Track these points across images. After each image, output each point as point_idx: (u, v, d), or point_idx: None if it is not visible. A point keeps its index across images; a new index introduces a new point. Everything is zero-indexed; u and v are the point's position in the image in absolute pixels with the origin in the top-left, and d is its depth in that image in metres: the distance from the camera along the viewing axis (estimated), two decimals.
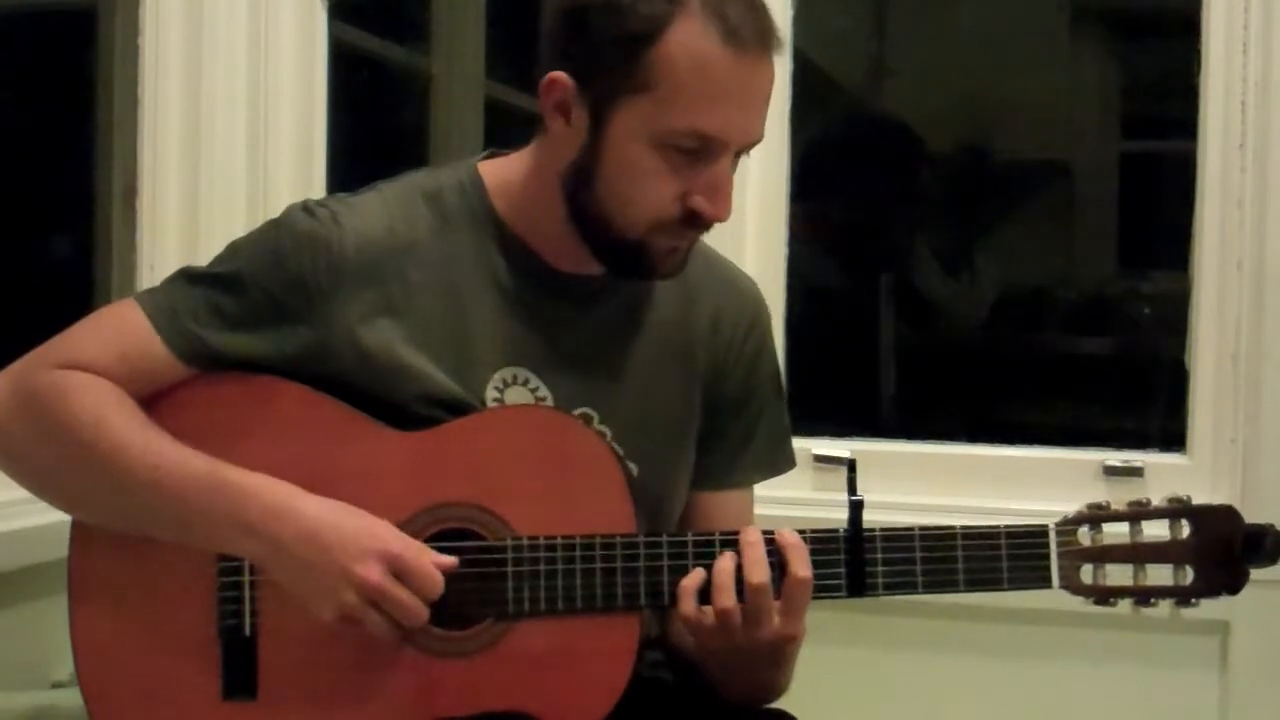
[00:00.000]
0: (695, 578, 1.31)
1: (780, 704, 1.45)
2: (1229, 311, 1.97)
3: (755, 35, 1.28)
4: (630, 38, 1.27)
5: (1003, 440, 2.14)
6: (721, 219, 1.32)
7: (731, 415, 1.50)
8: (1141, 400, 2.24)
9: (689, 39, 1.26)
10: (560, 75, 1.31)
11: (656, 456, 1.43)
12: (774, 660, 1.36)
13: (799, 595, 1.30)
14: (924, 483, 2.07)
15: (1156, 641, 1.94)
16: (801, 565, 1.30)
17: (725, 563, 1.31)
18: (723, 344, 1.49)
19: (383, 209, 1.39)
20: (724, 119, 1.28)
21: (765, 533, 1.33)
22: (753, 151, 1.36)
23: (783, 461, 1.55)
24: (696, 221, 1.32)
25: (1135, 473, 2.02)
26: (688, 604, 1.31)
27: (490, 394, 1.38)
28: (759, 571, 1.29)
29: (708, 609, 1.31)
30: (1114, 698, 1.99)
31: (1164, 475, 1.98)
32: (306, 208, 1.39)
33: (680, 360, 1.46)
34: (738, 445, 1.50)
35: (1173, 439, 2.04)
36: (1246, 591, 1.35)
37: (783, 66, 2.10)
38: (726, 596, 1.29)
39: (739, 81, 1.28)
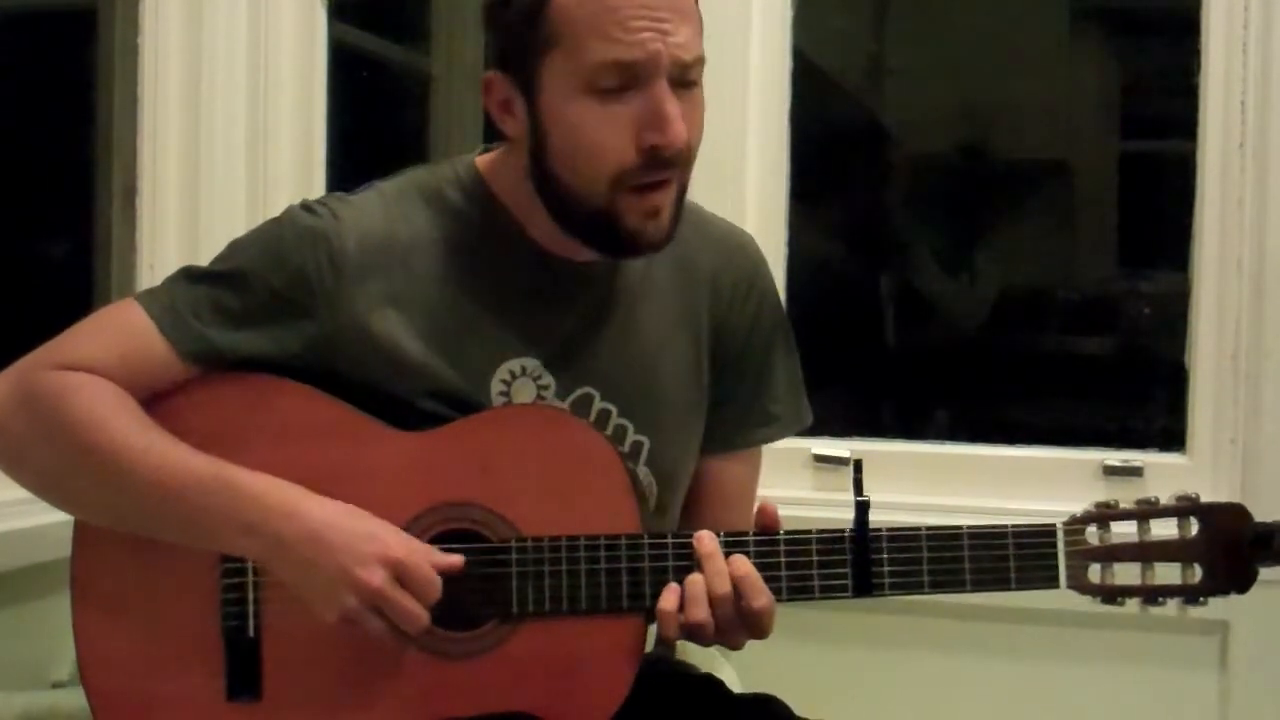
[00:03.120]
0: (673, 597, 1.30)
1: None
2: (1229, 311, 1.97)
3: None
4: (525, 10, 1.29)
5: (1003, 440, 2.14)
6: (677, 144, 1.29)
7: (738, 373, 1.49)
8: (1141, 400, 2.24)
9: None
10: (490, 74, 1.35)
11: (667, 427, 1.43)
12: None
13: (764, 621, 1.30)
14: (924, 483, 2.07)
15: (1156, 641, 1.94)
16: (757, 596, 1.29)
17: (698, 575, 1.30)
18: (724, 303, 1.48)
19: (382, 206, 1.40)
20: (633, 41, 1.26)
21: (760, 537, 1.33)
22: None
23: (799, 414, 1.54)
24: (657, 158, 1.29)
25: (1135, 473, 2.02)
26: (670, 628, 1.30)
27: (496, 386, 1.38)
28: (720, 583, 1.29)
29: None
30: (1114, 697, 1.99)
31: (1164, 475, 1.98)
32: (306, 206, 1.40)
33: (683, 327, 1.46)
34: (746, 405, 1.50)
35: (1172, 439, 2.04)
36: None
37: (782, 66, 2.11)
38: (699, 609, 1.29)
39: (635, 2, 1.26)
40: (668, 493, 1.43)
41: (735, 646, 1.32)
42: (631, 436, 1.42)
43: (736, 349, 1.49)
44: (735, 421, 1.50)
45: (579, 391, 1.40)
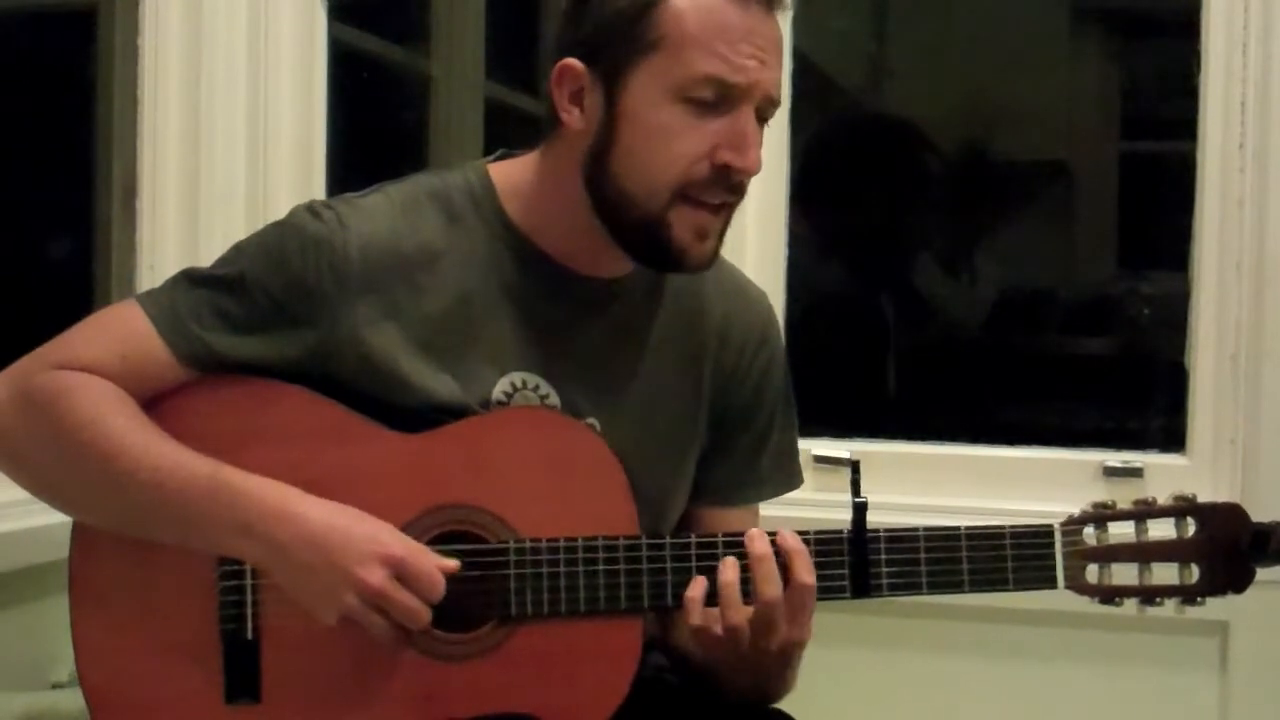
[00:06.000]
0: (699, 587, 1.31)
1: (781, 704, 1.45)
2: (1229, 311, 1.97)
3: None
4: (632, 5, 1.29)
5: (1003, 440, 2.14)
6: (750, 170, 1.31)
7: (739, 430, 1.49)
8: (1141, 400, 2.24)
9: None
10: (569, 61, 1.32)
11: (656, 467, 1.43)
12: (782, 664, 1.36)
13: (804, 601, 1.30)
14: (924, 483, 2.07)
15: (1156, 642, 1.94)
16: (805, 571, 1.30)
17: (730, 574, 1.30)
18: (732, 355, 1.48)
19: (388, 211, 1.39)
20: (738, 64, 1.28)
21: (766, 534, 1.33)
22: None
23: (792, 478, 1.55)
24: (726, 178, 1.31)
25: (1135, 473, 2.02)
26: (696, 615, 1.30)
27: (497, 399, 1.38)
28: (771, 588, 1.29)
29: (714, 611, 1.30)
30: (1114, 698, 1.99)
31: (1164, 476, 1.98)
32: (312, 209, 1.38)
33: (686, 371, 1.46)
34: (746, 460, 1.50)
35: (1172, 439, 2.04)
36: (1247, 591, 1.35)
37: (783, 66, 2.11)
38: (736, 612, 1.29)
39: (747, 29, 1.29)
40: (655, 528, 1.41)
41: (772, 649, 1.31)
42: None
43: (740, 402, 1.49)
44: (729, 477, 1.50)
45: (585, 422, 1.40)
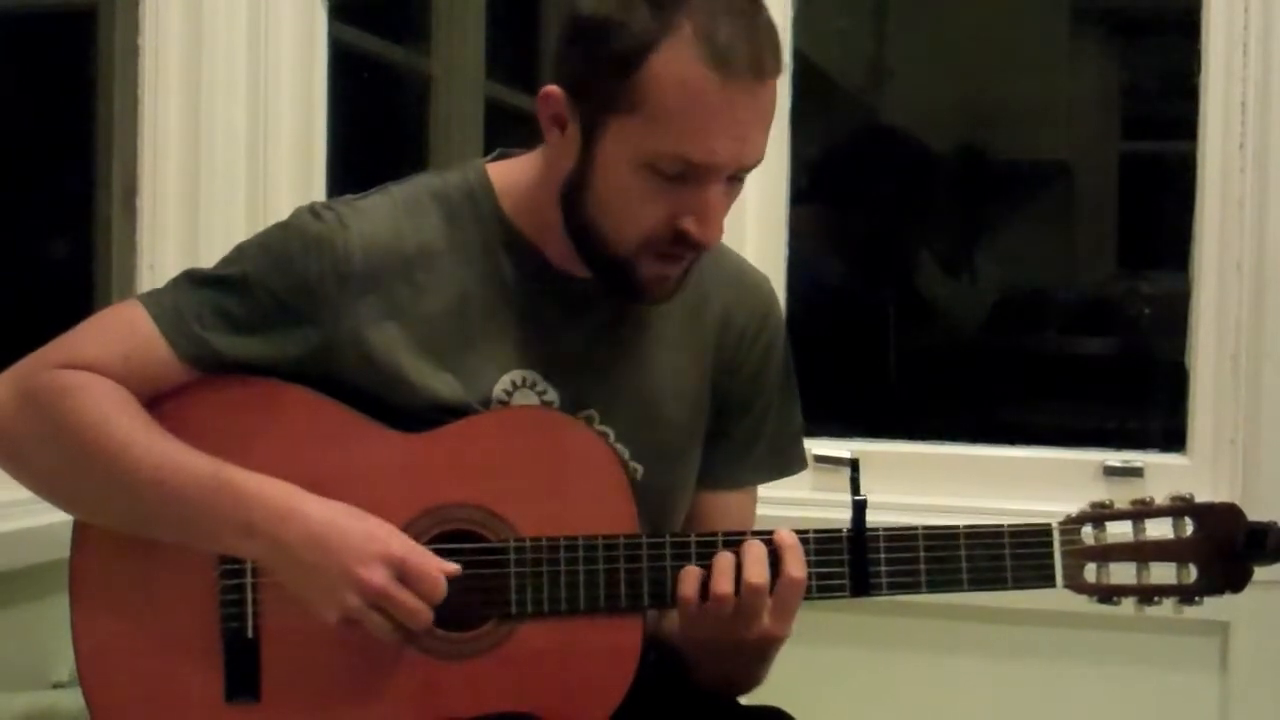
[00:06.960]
0: (698, 570, 1.32)
1: (781, 704, 1.45)
2: (1229, 311, 1.97)
3: (748, 60, 1.24)
4: (618, 58, 1.25)
5: (1003, 440, 2.14)
6: (709, 244, 1.30)
7: (739, 414, 1.49)
8: (1141, 400, 2.24)
9: (675, 63, 1.24)
10: (554, 89, 1.31)
11: (662, 457, 1.43)
12: (757, 657, 1.37)
13: (791, 596, 1.31)
14: (924, 483, 2.07)
15: (1156, 641, 1.94)
16: (796, 566, 1.30)
17: (727, 554, 1.31)
18: (732, 342, 1.48)
19: (390, 212, 1.39)
20: (710, 145, 1.25)
21: (764, 532, 1.33)
22: None
23: (792, 462, 1.55)
24: (686, 242, 1.30)
25: (1135, 473, 2.02)
26: (689, 586, 1.31)
27: (498, 396, 1.38)
28: (757, 572, 1.30)
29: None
30: (1114, 698, 1.99)
31: (1164, 475, 1.98)
32: (314, 210, 1.38)
33: (688, 359, 1.46)
34: (744, 445, 1.50)
35: (1173, 439, 2.04)
36: (1246, 592, 1.35)
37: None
38: (725, 583, 1.29)
39: (726, 108, 1.25)
40: (662, 521, 1.42)
41: (751, 639, 1.32)
42: (627, 463, 1.41)
43: (740, 388, 1.49)
44: (726, 461, 1.50)
45: (582, 414, 1.40)
